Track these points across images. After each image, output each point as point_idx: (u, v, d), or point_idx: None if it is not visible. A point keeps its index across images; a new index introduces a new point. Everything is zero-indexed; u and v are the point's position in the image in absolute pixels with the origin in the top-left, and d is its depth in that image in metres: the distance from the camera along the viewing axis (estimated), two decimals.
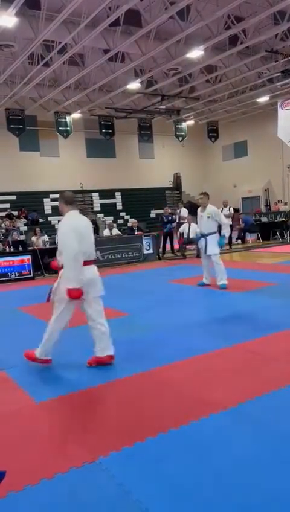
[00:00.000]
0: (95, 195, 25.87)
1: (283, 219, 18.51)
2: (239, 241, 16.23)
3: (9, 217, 21.23)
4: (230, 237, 14.48)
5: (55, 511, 2.18)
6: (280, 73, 18.32)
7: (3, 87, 18.36)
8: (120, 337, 5.04)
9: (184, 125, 25.59)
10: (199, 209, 7.95)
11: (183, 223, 13.28)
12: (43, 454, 2.68)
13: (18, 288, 9.46)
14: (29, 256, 10.76)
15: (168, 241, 13.68)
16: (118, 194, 26.42)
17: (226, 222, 7.86)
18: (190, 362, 4.09)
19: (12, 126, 20.29)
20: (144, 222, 20.88)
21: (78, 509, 2.18)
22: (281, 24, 13.55)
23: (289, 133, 19.72)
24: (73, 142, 24.41)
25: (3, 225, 18.74)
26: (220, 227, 13.29)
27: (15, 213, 22.28)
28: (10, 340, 5.42)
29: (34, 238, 13.29)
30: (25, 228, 20.42)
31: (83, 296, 3.96)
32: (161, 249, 13.30)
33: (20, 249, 11.82)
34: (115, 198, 26.28)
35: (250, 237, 16.65)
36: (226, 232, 7.83)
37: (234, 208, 15.33)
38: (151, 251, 12.72)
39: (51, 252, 11.46)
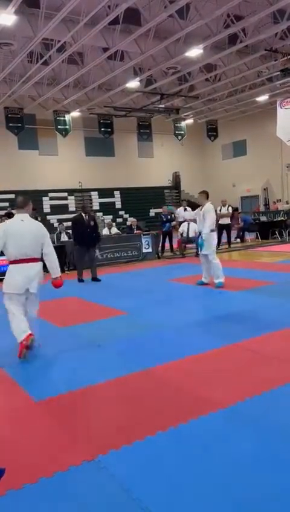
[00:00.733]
0: (94, 194, 25.86)
1: (282, 218, 18.53)
2: (238, 240, 16.25)
3: (8, 215, 21.19)
4: (229, 236, 14.50)
5: (55, 509, 2.18)
6: (279, 72, 18.33)
7: (2, 85, 18.33)
8: (119, 335, 5.06)
9: (183, 124, 25.58)
10: (199, 207, 7.98)
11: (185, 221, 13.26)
12: (42, 453, 2.68)
13: None
14: None
15: (167, 240, 13.68)
16: (117, 193, 26.41)
17: (210, 223, 7.67)
18: (188, 361, 4.10)
19: (11, 125, 20.26)
20: (143, 221, 20.87)
21: (77, 507, 2.19)
22: (281, 23, 13.55)
23: (288, 132, 19.72)
24: (72, 140, 24.39)
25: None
26: (223, 227, 13.20)
27: (14, 212, 22.22)
28: (9, 338, 5.42)
29: None
30: None
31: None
32: (160, 248, 13.30)
33: None
34: (114, 197, 26.27)
35: (249, 236, 16.67)
36: (203, 233, 7.62)
37: (232, 207, 15.32)
38: (150, 250, 12.72)
39: None
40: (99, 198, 25.76)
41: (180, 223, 13.38)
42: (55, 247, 5.00)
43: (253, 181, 27.83)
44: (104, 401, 3.38)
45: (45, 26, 12.32)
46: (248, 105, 24.60)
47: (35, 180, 23.96)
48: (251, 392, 3.29)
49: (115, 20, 12.66)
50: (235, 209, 23.01)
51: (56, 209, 24.10)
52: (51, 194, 24.42)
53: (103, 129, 22.78)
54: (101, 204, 25.32)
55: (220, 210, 13.81)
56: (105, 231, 13.36)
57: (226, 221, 14.18)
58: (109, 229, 13.39)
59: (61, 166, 25.29)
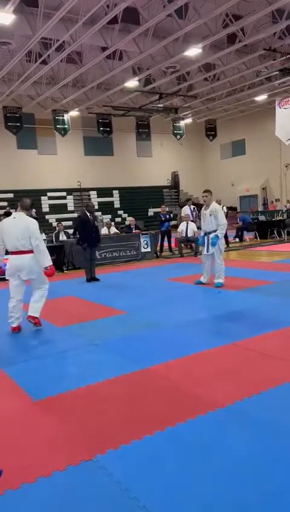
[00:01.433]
0: (93, 194, 25.86)
1: (281, 218, 18.55)
2: (237, 239, 16.26)
3: (7, 215, 21.17)
4: (227, 236, 14.49)
5: (53, 509, 2.18)
6: (278, 72, 18.36)
7: (0, 84, 18.32)
8: (118, 335, 5.06)
9: (182, 123, 25.58)
10: (203, 207, 7.93)
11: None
12: (40, 452, 2.68)
13: None
14: None
15: (165, 239, 13.69)
16: (115, 193, 26.42)
17: (225, 222, 7.73)
18: (187, 360, 4.10)
19: (9, 124, 20.25)
20: (142, 220, 20.88)
21: (75, 506, 2.19)
22: (280, 22, 13.56)
23: (287, 132, 19.72)
24: (71, 140, 24.39)
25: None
26: None
27: (13, 211, 22.21)
28: (7, 337, 5.42)
29: None
30: None
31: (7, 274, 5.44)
32: (158, 248, 13.30)
33: None
34: (112, 196, 26.28)
35: (248, 236, 16.69)
36: (219, 232, 7.63)
37: (232, 207, 15.34)
38: (149, 249, 12.72)
39: (49, 250, 11.43)
40: (98, 197, 25.76)
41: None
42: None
43: (252, 180, 27.84)
44: (102, 400, 3.37)
45: (43, 25, 12.32)
46: (247, 104, 24.62)
47: (33, 180, 23.96)
48: (250, 391, 3.29)
49: (114, 20, 12.66)
50: (233, 209, 23.02)
51: (55, 209, 24.11)
52: (49, 194, 24.42)
53: (101, 128, 22.77)
54: (99, 203, 25.32)
55: None
56: (104, 231, 13.34)
57: None
58: (108, 228, 13.38)
59: (60, 166, 25.28)
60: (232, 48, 15.33)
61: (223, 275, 7.61)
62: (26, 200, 5.58)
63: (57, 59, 15.27)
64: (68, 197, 25.11)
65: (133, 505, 2.14)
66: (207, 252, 7.65)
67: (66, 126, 21.81)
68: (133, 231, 13.26)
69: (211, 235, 7.56)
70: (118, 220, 23.91)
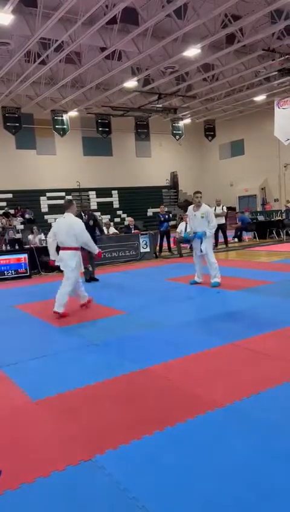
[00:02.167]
0: (92, 194, 25.83)
1: (279, 218, 18.56)
2: (236, 239, 16.27)
3: (6, 215, 21.16)
4: (226, 236, 14.52)
5: (52, 509, 2.18)
6: (276, 72, 18.36)
7: None
8: (117, 335, 5.06)
9: (181, 123, 25.58)
10: (192, 207, 7.85)
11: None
12: (39, 452, 2.68)
13: (15, 287, 9.44)
14: (25, 255, 10.74)
15: (165, 239, 13.69)
16: (114, 193, 26.40)
17: (215, 224, 7.83)
18: (186, 360, 4.10)
19: (8, 124, 20.22)
20: (141, 221, 20.87)
21: (74, 507, 2.19)
22: (278, 23, 13.57)
23: (286, 132, 19.72)
24: (70, 140, 24.38)
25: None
26: (218, 226, 13.10)
27: (11, 211, 22.20)
28: (6, 338, 5.42)
29: (30, 237, 13.26)
30: (21, 227, 20.36)
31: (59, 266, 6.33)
32: (157, 248, 13.30)
33: (17, 247, 11.78)
34: (111, 196, 26.26)
35: (246, 236, 16.70)
36: (209, 231, 7.64)
37: (230, 207, 15.34)
38: (148, 249, 12.72)
39: (48, 250, 11.42)
40: (97, 197, 25.74)
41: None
42: None
43: (251, 181, 27.86)
44: (102, 400, 3.37)
45: (42, 26, 12.30)
46: (246, 105, 24.63)
47: (32, 180, 23.93)
48: (249, 391, 3.29)
49: (113, 20, 12.64)
50: (232, 209, 23.00)
51: (54, 209, 24.07)
52: (48, 194, 24.39)
53: (100, 129, 22.75)
54: (99, 203, 25.31)
55: (215, 210, 13.82)
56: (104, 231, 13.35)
57: (221, 221, 14.19)
58: (107, 228, 13.38)
59: (59, 166, 25.26)
60: (231, 48, 15.33)
61: (219, 274, 7.62)
62: (69, 201, 6.66)
63: (56, 59, 15.26)
64: (67, 197, 25.07)
65: (133, 505, 2.14)
66: (201, 252, 7.66)
67: (65, 126, 21.79)
68: (132, 231, 13.26)
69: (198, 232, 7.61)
70: (117, 220, 23.89)
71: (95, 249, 6.56)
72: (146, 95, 20.89)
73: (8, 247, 11.87)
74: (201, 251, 7.64)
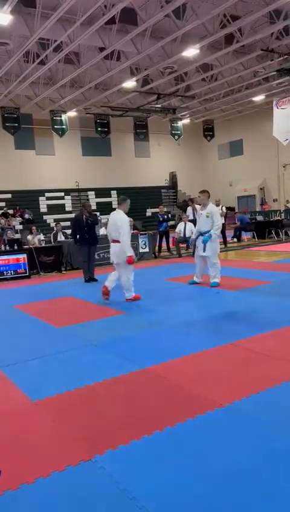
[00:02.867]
0: (91, 194, 25.83)
1: (278, 218, 18.57)
2: (235, 239, 16.28)
3: (5, 215, 21.16)
4: (225, 236, 14.51)
5: (52, 509, 2.18)
6: (275, 72, 18.36)
7: None
8: (117, 335, 5.05)
9: (180, 124, 25.59)
10: (199, 207, 7.90)
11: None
12: (39, 453, 2.68)
13: (14, 287, 9.44)
14: (24, 255, 10.73)
15: (164, 239, 13.69)
16: (113, 193, 26.38)
17: (220, 224, 7.77)
18: (185, 360, 4.10)
19: (7, 124, 20.22)
20: (140, 221, 20.86)
21: (74, 507, 2.18)
22: (277, 23, 13.59)
23: (285, 132, 19.73)
24: (69, 140, 24.37)
25: None
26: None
27: (10, 211, 22.20)
28: (6, 338, 5.42)
29: (29, 237, 13.25)
30: (20, 227, 20.36)
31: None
32: (157, 248, 13.29)
33: (16, 247, 11.77)
34: (110, 196, 26.24)
35: (246, 236, 16.71)
36: (213, 232, 7.61)
37: (230, 207, 15.35)
38: (147, 250, 12.72)
39: (47, 250, 11.43)
40: (96, 198, 25.74)
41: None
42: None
43: (250, 181, 27.88)
44: (101, 401, 3.37)
45: (41, 26, 12.30)
46: (245, 105, 24.65)
47: (31, 180, 23.92)
48: (249, 391, 3.29)
49: (112, 20, 12.65)
50: (231, 209, 23.00)
51: (53, 209, 24.08)
52: (47, 194, 24.39)
53: (99, 129, 22.76)
54: (98, 203, 25.30)
55: None
56: (102, 231, 13.34)
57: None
58: (106, 228, 13.36)
59: (58, 166, 25.26)
60: (230, 48, 15.35)
61: (219, 275, 7.62)
62: (123, 199, 7.04)
63: (55, 59, 15.26)
64: (66, 197, 25.08)
65: (132, 505, 2.14)
66: (203, 253, 7.63)
67: (64, 126, 21.79)
68: (131, 231, 13.24)
69: (205, 235, 7.56)
70: None
71: (128, 251, 6.53)
72: (145, 95, 20.90)
73: (7, 248, 11.85)
74: (204, 251, 7.60)
